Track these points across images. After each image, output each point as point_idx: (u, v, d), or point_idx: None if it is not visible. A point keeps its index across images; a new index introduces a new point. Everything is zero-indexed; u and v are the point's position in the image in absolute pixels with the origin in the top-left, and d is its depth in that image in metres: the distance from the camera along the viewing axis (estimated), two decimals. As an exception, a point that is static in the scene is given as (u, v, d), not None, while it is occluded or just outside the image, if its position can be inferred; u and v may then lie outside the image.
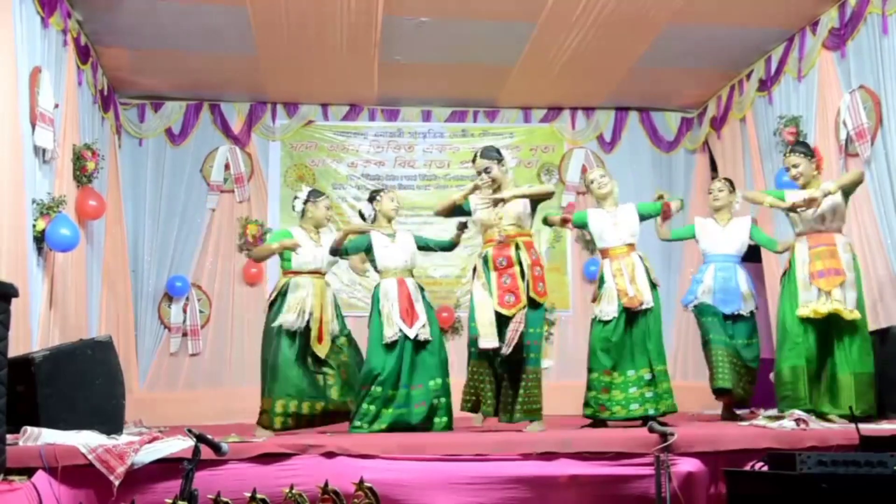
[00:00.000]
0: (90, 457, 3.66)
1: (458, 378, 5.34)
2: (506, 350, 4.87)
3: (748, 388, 5.82)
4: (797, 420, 4.63)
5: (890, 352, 5.21)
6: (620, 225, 5.46)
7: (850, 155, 6.26)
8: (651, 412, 5.16)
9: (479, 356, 5.08)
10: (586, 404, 5.32)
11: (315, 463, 3.87)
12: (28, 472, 3.52)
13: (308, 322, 5.27)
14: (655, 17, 6.81)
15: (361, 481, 3.43)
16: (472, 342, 5.08)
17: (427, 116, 8.90)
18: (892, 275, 5.83)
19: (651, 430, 4.09)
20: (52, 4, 5.73)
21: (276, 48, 7.28)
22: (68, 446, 3.73)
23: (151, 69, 7.72)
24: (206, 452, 3.39)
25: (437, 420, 5.10)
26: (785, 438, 4.21)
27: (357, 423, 5.01)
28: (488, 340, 4.89)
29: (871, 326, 5.35)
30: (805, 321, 5.12)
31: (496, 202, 4.99)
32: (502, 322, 4.92)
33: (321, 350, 5.31)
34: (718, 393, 5.73)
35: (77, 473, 3.64)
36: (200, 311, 8.23)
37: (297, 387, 5.16)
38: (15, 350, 4.19)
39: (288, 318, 5.22)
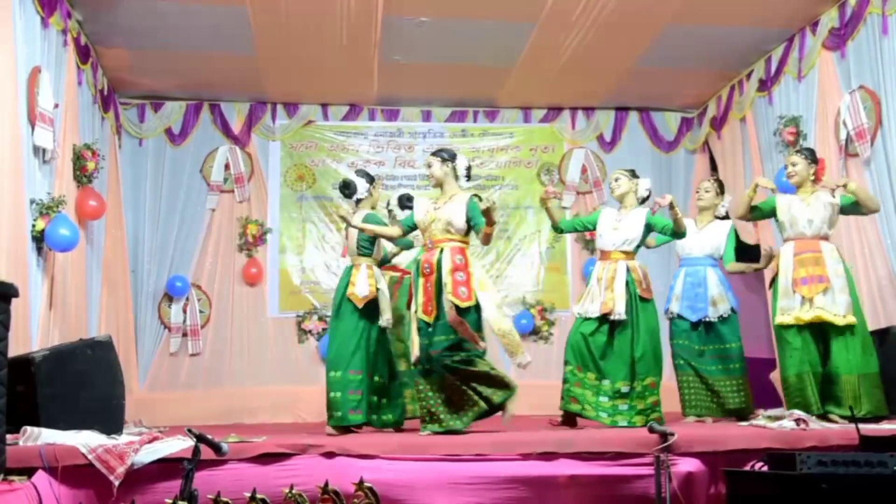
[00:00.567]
0: (90, 457, 3.66)
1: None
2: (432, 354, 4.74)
3: (737, 398, 5.71)
4: (797, 420, 4.63)
5: (890, 352, 5.21)
6: (621, 230, 5.42)
7: (850, 155, 6.26)
8: (621, 424, 5.14)
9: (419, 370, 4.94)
10: (562, 397, 5.33)
11: (315, 463, 3.87)
12: (28, 472, 3.52)
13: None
14: (655, 17, 6.81)
15: (361, 481, 3.44)
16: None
17: (427, 116, 8.90)
18: (892, 275, 5.83)
19: (651, 431, 4.10)
20: (52, 4, 5.72)
21: (275, 48, 7.28)
22: (68, 446, 3.74)
23: (151, 69, 7.72)
24: (206, 452, 3.39)
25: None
26: (785, 438, 4.22)
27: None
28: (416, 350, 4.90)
29: (872, 326, 5.36)
30: (798, 328, 5.13)
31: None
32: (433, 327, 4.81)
33: None
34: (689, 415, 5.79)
35: (77, 473, 3.65)
36: (200, 311, 8.23)
37: None
38: (15, 350, 4.18)
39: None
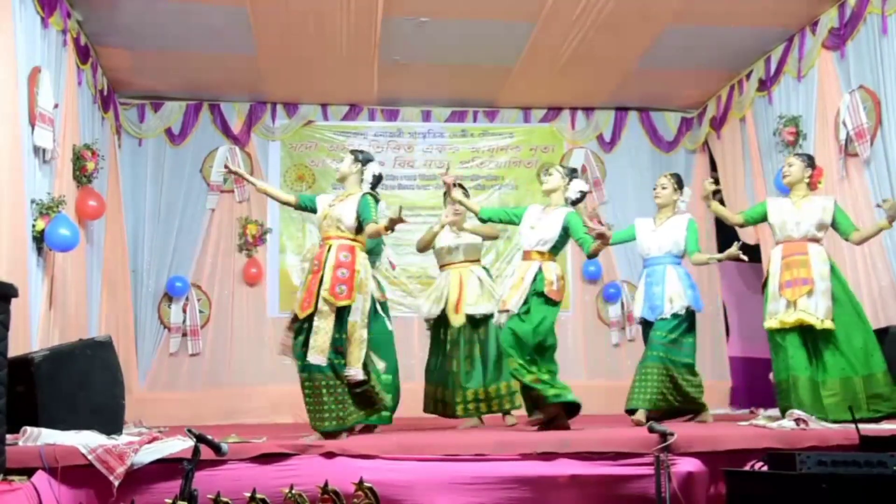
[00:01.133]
0: (90, 457, 3.66)
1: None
2: (310, 357, 4.49)
3: (681, 397, 5.47)
4: (797, 420, 4.63)
5: (890, 352, 5.21)
6: (537, 230, 5.25)
7: (849, 155, 6.26)
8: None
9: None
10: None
11: (315, 463, 3.87)
12: (28, 472, 3.52)
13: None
14: (655, 17, 6.81)
15: (361, 481, 3.44)
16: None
17: (427, 116, 8.90)
18: (892, 277, 5.83)
19: (651, 430, 4.10)
20: (52, 4, 5.73)
21: (275, 48, 7.28)
22: (68, 446, 3.73)
23: (151, 69, 7.72)
24: (206, 452, 3.39)
25: None
26: (785, 438, 4.22)
27: None
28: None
29: (872, 327, 5.35)
30: (786, 331, 5.13)
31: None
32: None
33: None
34: (628, 413, 5.55)
35: (77, 473, 3.64)
36: (200, 311, 8.23)
37: None
38: (15, 350, 4.18)
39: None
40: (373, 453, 3.94)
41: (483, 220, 5.62)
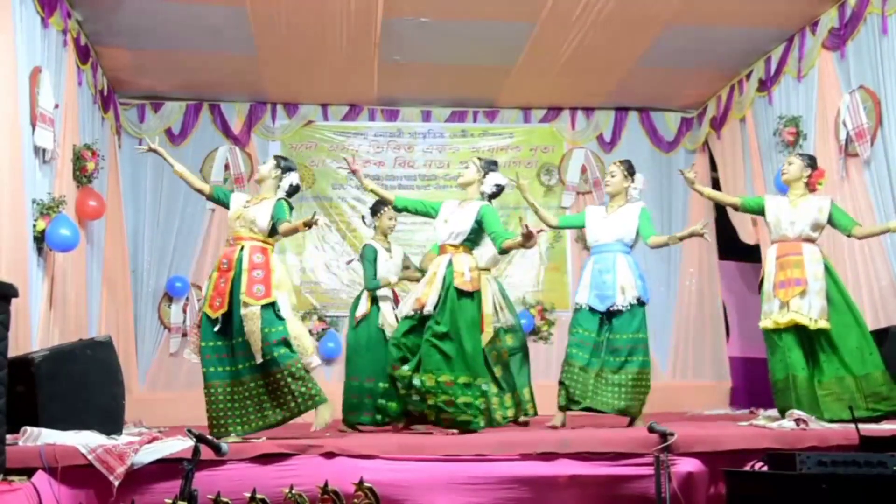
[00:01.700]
0: (90, 457, 3.66)
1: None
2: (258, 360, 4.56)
3: (623, 398, 5.30)
4: (797, 420, 4.63)
5: (890, 352, 5.21)
6: (450, 223, 5.09)
7: (849, 155, 6.26)
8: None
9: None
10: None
11: (315, 463, 3.87)
12: (28, 472, 3.52)
13: None
14: (655, 17, 6.81)
15: (361, 481, 3.43)
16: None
17: (427, 117, 8.90)
18: (892, 277, 5.83)
19: (651, 430, 4.10)
20: (52, 4, 5.73)
21: (275, 48, 7.28)
22: (68, 446, 3.73)
23: (151, 69, 7.72)
24: (206, 452, 3.40)
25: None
26: (785, 438, 4.22)
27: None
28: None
29: (871, 327, 5.36)
30: (780, 331, 5.12)
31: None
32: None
33: None
34: (560, 409, 5.37)
35: (77, 473, 3.64)
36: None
37: None
38: (15, 350, 4.19)
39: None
40: (373, 453, 3.94)
41: (398, 209, 5.48)
